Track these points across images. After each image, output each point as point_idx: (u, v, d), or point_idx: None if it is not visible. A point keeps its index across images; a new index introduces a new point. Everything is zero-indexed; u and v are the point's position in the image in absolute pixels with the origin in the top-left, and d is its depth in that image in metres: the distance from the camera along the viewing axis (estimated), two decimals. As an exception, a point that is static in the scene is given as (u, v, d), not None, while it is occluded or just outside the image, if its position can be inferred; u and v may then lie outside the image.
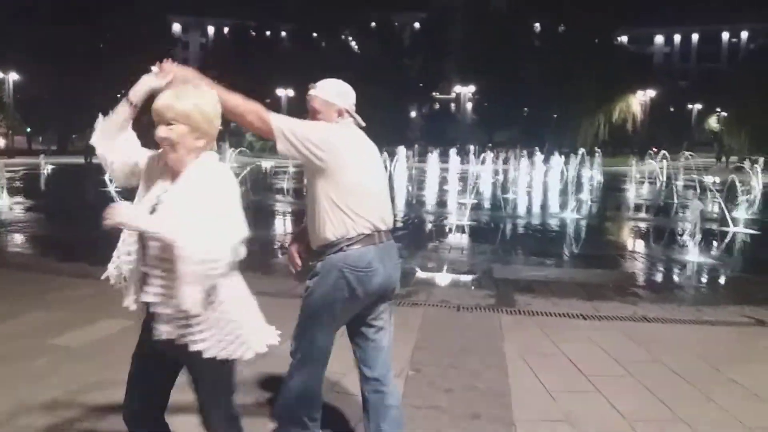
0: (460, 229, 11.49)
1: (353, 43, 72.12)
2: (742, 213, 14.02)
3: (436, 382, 4.08)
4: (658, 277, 8.28)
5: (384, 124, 55.49)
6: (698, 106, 63.80)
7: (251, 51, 67.55)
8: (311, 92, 2.94)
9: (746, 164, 19.10)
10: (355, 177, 2.79)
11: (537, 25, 64.35)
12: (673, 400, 3.85)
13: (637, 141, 53.35)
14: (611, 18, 60.00)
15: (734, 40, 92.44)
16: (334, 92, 2.93)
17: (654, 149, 41.62)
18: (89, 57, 49.21)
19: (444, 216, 13.82)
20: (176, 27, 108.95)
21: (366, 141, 2.98)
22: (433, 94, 69.99)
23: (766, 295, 6.80)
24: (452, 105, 67.23)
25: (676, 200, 18.54)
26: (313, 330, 2.91)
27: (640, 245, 11.18)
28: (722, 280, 7.96)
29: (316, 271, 2.85)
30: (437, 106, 71.94)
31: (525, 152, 26.87)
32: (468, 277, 7.21)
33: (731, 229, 12.13)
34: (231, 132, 69.79)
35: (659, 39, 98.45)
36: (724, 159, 49.22)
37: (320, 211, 2.78)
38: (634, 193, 21.84)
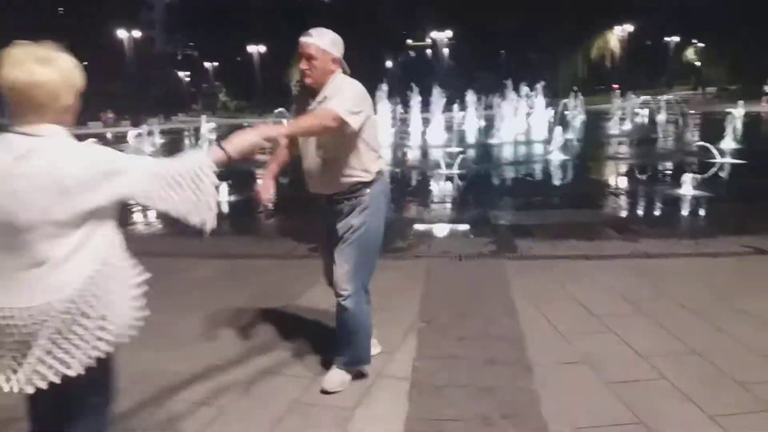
0: (453, 178, 11.40)
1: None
2: (727, 143, 14.08)
3: (449, 332, 4.06)
4: (654, 213, 8.33)
5: (359, 75, 54.69)
6: (675, 39, 63.30)
7: (217, 8, 65.52)
8: (306, 39, 2.96)
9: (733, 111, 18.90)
10: (373, 118, 3.11)
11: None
12: (685, 333, 3.88)
13: (616, 77, 53.04)
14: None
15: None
16: (329, 41, 3.00)
17: (615, 86, 41.29)
18: (49, 23, 47.39)
19: (434, 166, 13.55)
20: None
21: None
22: (408, 41, 68.73)
23: (762, 223, 6.85)
24: (428, 52, 66.06)
25: (660, 135, 18.59)
26: (369, 261, 3.20)
27: (631, 182, 11.09)
28: (717, 212, 7.96)
29: (365, 205, 3.08)
30: (412, 54, 70.68)
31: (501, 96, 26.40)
32: (466, 226, 7.17)
33: (718, 160, 12.17)
34: (204, 93, 68.62)
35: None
36: (701, 90, 49.28)
37: (355, 153, 3.02)
38: (618, 130, 21.79)
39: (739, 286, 4.75)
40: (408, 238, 6.68)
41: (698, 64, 60.00)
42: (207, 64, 71.91)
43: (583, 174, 12.35)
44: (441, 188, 10.62)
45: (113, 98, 55.14)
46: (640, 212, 8.40)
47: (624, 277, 5.06)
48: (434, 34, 56.49)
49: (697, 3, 64.95)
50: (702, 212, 8.05)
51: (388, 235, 6.69)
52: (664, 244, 6.07)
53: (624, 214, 8.19)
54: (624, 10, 56.66)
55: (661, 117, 24.48)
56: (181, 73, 76.33)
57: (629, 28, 52.96)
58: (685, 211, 8.12)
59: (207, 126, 21.11)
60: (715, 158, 12.26)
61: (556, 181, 11.58)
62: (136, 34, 56.00)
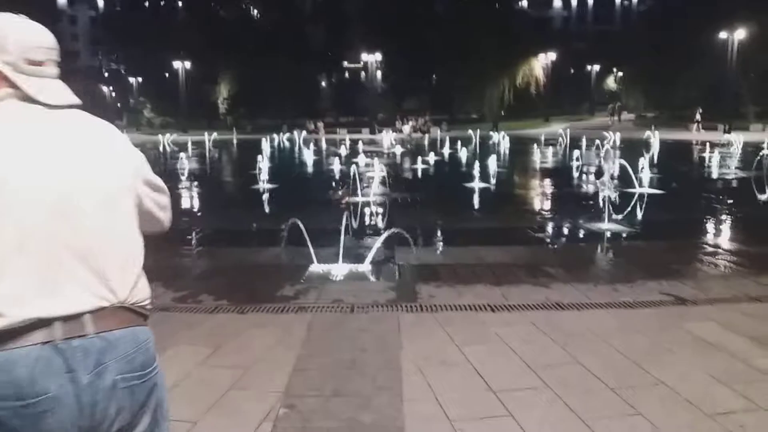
0: (363, 207, 10.68)
1: (254, 12, 69.29)
2: (646, 173, 14.00)
3: (313, 421, 3.24)
4: (569, 251, 7.69)
5: (291, 95, 53.92)
6: (596, 67, 65.77)
7: (144, 23, 63.47)
8: None
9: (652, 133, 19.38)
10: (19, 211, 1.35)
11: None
12: (596, 418, 3.20)
13: (542, 103, 54.39)
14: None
15: (626, 2, 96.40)
16: None
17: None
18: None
19: (346, 193, 12.80)
20: (62, 1, 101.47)
21: (57, 136, 1.45)
22: (343, 63, 68.46)
23: (681, 263, 6.44)
24: (362, 74, 65.94)
25: (581, 162, 18.58)
26: None
27: (549, 215, 10.65)
28: (635, 250, 7.53)
29: None
30: (347, 75, 70.45)
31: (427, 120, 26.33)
32: (367, 267, 6.38)
33: (637, 190, 11.99)
34: (129, 109, 66.13)
35: (557, 2, 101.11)
36: (616, 117, 51.30)
37: None
38: (539, 157, 21.78)
39: (658, 348, 4.16)
40: (297, 283, 5.84)
41: (618, 90, 62.43)
42: (131, 80, 69.42)
43: (498, 203, 11.82)
44: (350, 218, 9.84)
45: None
46: (553, 250, 7.76)
47: (531, 335, 4.40)
48: (366, 57, 56.22)
49: (615, 32, 68.29)
50: (619, 251, 7.52)
51: (274, 280, 5.94)
52: (577, 291, 5.48)
53: (537, 252, 7.50)
54: (548, 37, 58.60)
55: (582, 143, 24.82)
56: (105, 88, 73.36)
57: (552, 56, 54.37)
58: (601, 250, 7.62)
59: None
60: (633, 188, 12.09)
61: (473, 212, 11.01)
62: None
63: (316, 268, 6.34)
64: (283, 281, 5.83)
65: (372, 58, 54.78)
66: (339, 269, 6.29)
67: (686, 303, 5.10)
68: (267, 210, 11.54)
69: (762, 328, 4.46)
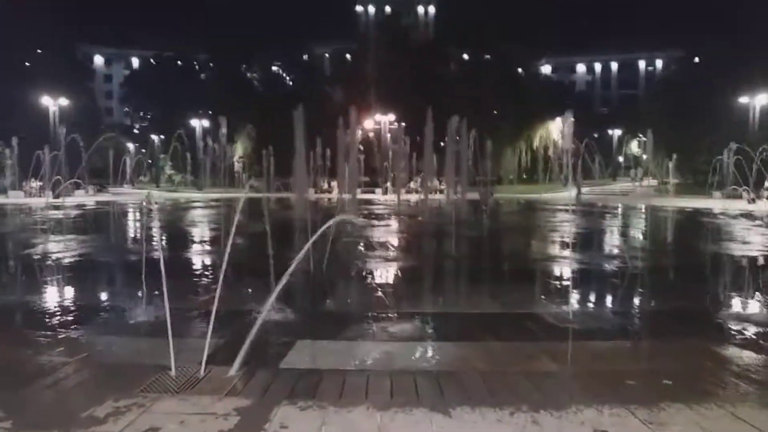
0: (309, 276, 9.34)
1: (283, 74, 70.98)
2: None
3: None
4: (507, 350, 5.74)
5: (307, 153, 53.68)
6: (618, 132, 64.73)
7: (173, 81, 65.45)
8: None
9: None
10: None
11: (465, 55, 64.32)
12: None
13: (555, 168, 53.22)
14: (535, 48, 61.06)
15: (650, 68, 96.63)
16: None
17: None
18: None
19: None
20: (98, 60, 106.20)
21: None
22: (360, 124, 68.77)
23: (643, 377, 4.89)
24: (379, 134, 65.97)
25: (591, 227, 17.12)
26: None
27: (504, 294, 8.59)
28: (597, 350, 5.83)
29: None
30: (363, 135, 70.63)
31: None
32: (235, 372, 4.97)
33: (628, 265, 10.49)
34: (153, 165, 66.96)
35: (581, 68, 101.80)
36: (638, 183, 49.94)
37: None
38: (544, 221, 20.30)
39: None
40: (127, 396, 4.46)
41: (640, 155, 61.12)
42: (154, 137, 70.64)
43: (461, 282, 10.23)
44: (298, 290, 8.46)
45: (54, 167, 52.71)
46: (489, 352, 5.76)
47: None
48: (380, 118, 56.15)
49: (638, 97, 67.58)
50: (574, 351, 5.50)
51: (101, 388, 4.50)
52: (485, 422, 3.99)
53: (467, 350, 5.67)
54: (569, 101, 57.99)
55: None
56: (131, 145, 74.75)
57: (571, 118, 53.50)
58: (552, 347, 5.64)
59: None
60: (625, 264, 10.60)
61: (427, 292, 9.32)
62: (79, 102, 54.22)
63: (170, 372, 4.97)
64: (109, 392, 4.46)
65: (386, 119, 54.71)
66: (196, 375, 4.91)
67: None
68: (189, 281, 9.88)
69: None
